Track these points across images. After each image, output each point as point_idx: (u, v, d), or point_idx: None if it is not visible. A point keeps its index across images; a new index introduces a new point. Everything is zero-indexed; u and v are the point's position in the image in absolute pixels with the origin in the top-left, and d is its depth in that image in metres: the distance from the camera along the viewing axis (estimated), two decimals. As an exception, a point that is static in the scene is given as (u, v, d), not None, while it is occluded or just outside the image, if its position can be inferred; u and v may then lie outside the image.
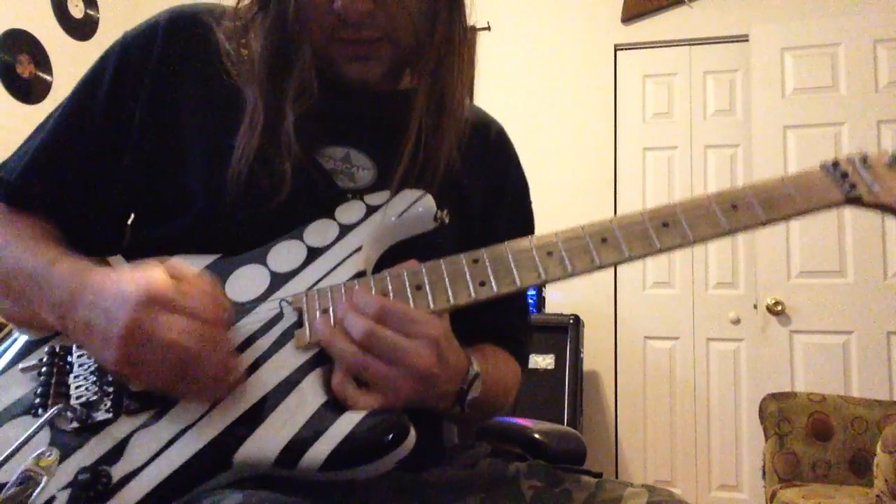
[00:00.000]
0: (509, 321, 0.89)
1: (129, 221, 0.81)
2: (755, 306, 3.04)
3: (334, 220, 0.73)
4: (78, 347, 0.67)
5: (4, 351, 0.71)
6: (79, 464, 0.60)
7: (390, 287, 0.67)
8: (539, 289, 3.08)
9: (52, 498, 0.58)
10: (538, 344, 2.83)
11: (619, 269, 3.29)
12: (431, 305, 0.66)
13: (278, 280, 0.69)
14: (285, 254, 0.71)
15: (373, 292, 0.66)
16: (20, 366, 0.68)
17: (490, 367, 0.75)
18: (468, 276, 0.67)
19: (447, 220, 0.75)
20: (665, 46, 3.41)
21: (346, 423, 0.61)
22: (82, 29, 3.33)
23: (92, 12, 3.39)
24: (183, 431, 0.61)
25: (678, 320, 3.25)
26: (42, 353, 0.68)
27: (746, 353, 3.16)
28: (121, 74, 0.77)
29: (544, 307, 3.14)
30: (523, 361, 0.92)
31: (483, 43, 3.46)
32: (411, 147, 0.74)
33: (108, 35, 3.33)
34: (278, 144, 0.71)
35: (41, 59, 3.12)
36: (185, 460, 0.60)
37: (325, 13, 0.69)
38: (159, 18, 0.79)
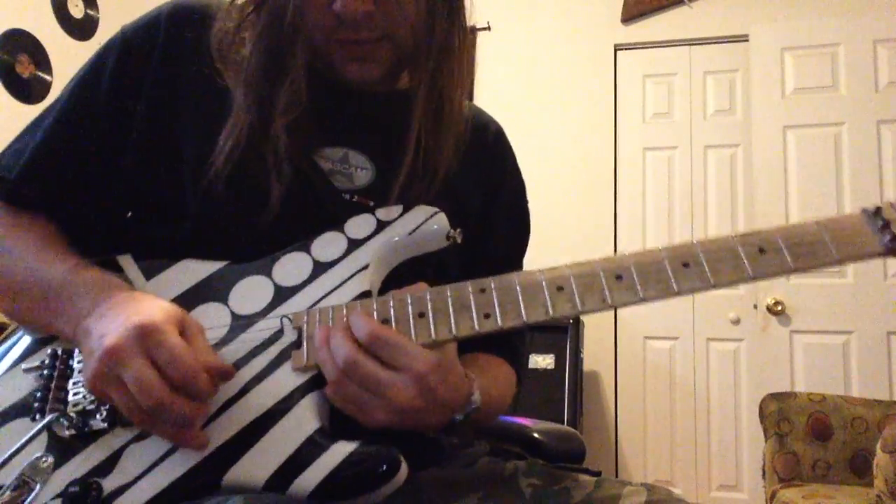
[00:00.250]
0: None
1: (131, 220, 0.79)
2: (755, 306, 3.04)
3: (343, 233, 0.71)
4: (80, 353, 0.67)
5: (9, 349, 0.70)
6: (72, 472, 0.60)
7: (392, 312, 0.64)
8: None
9: None
10: (538, 344, 2.83)
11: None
12: (433, 335, 0.63)
13: (282, 294, 0.68)
14: (291, 267, 0.69)
15: (374, 316, 0.64)
16: (23, 366, 0.67)
17: (487, 383, 0.73)
18: (473, 307, 0.64)
19: (459, 240, 0.73)
20: (665, 46, 3.41)
21: (337, 454, 0.59)
22: (82, 29, 3.33)
23: (92, 12, 3.39)
24: (174, 449, 0.61)
25: (678, 320, 3.25)
26: (45, 354, 0.68)
27: (746, 353, 3.16)
28: (122, 69, 0.75)
29: (544, 307, 3.13)
30: (520, 369, 0.90)
31: (483, 43, 3.46)
32: (411, 151, 0.73)
33: (107, 35, 3.34)
34: (265, 151, 0.69)
35: (41, 59, 3.12)
36: (174, 480, 0.59)
37: (323, 13, 0.68)
38: (161, 11, 0.78)
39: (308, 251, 0.70)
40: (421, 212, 0.72)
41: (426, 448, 0.78)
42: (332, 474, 0.58)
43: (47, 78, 3.13)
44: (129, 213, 0.79)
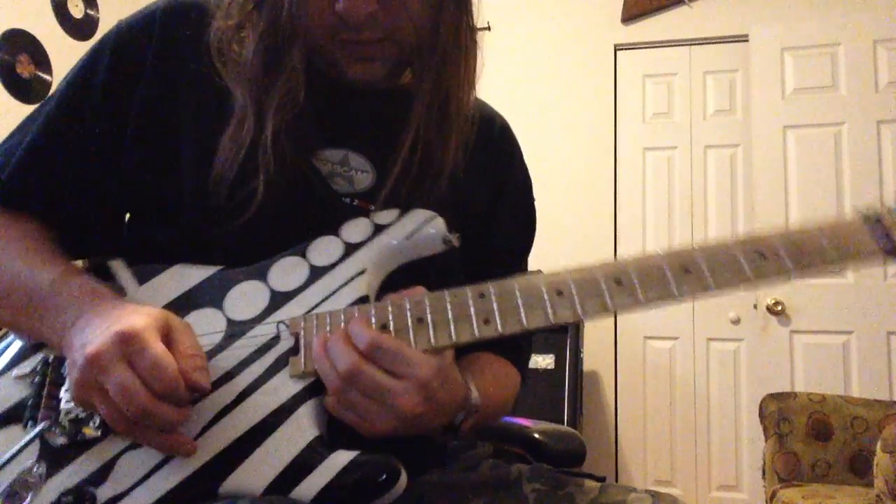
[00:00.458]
0: None
1: (126, 221, 0.78)
2: (755, 306, 3.04)
3: (339, 237, 0.70)
4: None
5: (0, 354, 0.69)
6: (65, 481, 0.59)
7: (391, 318, 0.63)
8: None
9: None
10: (538, 344, 2.83)
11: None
12: (433, 341, 0.63)
13: (278, 299, 0.67)
14: (287, 271, 0.68)
15: (372, 321, 0.63)
16: (14, 372, 0.66)
17: (487, 384, 0.73)
18: (472, 313, 0.63)
19: (457, 244, 0.72)
20: (665, 46, 3.40)
21: (336, 463, 0.59)
22: (82, 29, 3.33)
23: (92, 12, 3.39)
24: (169, 457, 0.60)
25: (678, 320, 3.25)
26: (36, 361, 0.66)
27: (746, 353, 3.16)
28: (117, 66, 0.74)
29: (544, 307, 3.13)
30: (523, 369, 0.89)
31: (483, 43, 3.45)
32: (407, 150, 0.72)
33: (108, 35, 3.30)
34: (262, 153, 0.68)
35: (41, 59, 3.12)
36: (169, 489, 0.59)
37: (326, 13, 0.67)
38: (157, 6, 0.76)
39: (304, 255, 0.69)
40: (418, 216, 0.71)
41: (427, 452, 0.78)
42: (332, 484, 0.58)
43: (47, 78, 3.13)
44: (127, 216, 0.77)
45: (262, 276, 0.68)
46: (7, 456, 0.59)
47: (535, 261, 0.93)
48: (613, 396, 3.28)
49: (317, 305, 0.66)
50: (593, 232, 3.33)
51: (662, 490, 0.74)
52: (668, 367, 3.26)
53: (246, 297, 0.67)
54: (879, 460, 1.88)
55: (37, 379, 0.65)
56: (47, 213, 0.73)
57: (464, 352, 0.69)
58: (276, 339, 0.65)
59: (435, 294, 0.64)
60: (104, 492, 0.59)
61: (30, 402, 0.63)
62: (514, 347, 0.87)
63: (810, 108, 3.03)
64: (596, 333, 3.22)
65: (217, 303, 0.67)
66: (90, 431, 0.61)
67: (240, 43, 0.71)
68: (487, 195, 0.85)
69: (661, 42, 3.40)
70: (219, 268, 0.69)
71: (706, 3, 3.32)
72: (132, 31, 0.75)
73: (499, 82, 3.43)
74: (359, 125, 0.77)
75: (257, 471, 0.59)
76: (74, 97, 0.74)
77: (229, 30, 0.71)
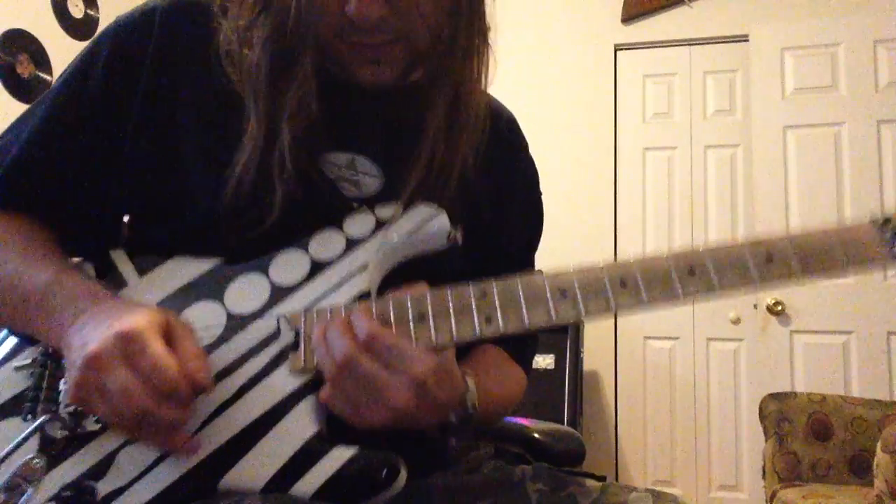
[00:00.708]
0: None
1: (126, 220, 0.76)
2: (755, 306, 3.04)
3: (342, 231, 0.69)
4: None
5: None
6: (66, 474, 0.59)
7: (392, 314, 0.63)
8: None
9: None
10: (538, 343, 2.82)
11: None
12: (434, 338, 0.62)
13: (279, 293, 0.66)
14: (288, 265, 0.67)
15: (374, 317, 0.62)
16: (13, 364, 0.66)
17: (490, 384, 0.72)
18: (474, 311, 0.62)
19: (460, 241, 0.71)
20: (665, 46, 3.40)
21: (336, 459, 0.59)
22: (82, 29, 3.33)
23: (92, 12, 3.39)
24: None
25: (678, 320, 3.25)
26: (35, 352, 0.66)
27: (746, 353, 3.16)
28: (114, 64, 0.72)
29: (544, 307, 3.13)
30: (527, 364, 0.88)
31: (483, 43, 3.45)
32: (426, 155, 0.70)
33: (108, 35, 3.30)
34: (272, 160, 0.67)
35: (41, 59, 3.12)
36: (170, 484, 0.58)
37: (335, 16, 0.65)
38: (156, 4, 0.74)
39: (306, 249, 0.68)
40: (422, 211, 0.71)
41: (429, 453, 0.77)
42: (332, 479, 0.58)
43: (47, 78, 3.13)
44: (126, 216, 0.76)
45: (263, 269, 0.68)
46: (8, 448, 0.59)
47: (535, 260, 0.93)
48: (613, 396, 3.28)
49: (317, 300, 0.66)
50: (593, 232, 3.33)
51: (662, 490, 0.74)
52: (668, 367, 3.26)
53: (246, 291, 0.67)
54: (879, 460, 1.88)
55: (37, 370, 0.64)
56: (43, 213, 0.72)
57: (467, 345, 0.68)
58: (276, 334, 0.64)
59: (436, 291, 0.64)
60: (104, 486, 0.59)
61: (30, 394, 0.63)
62: (520, 345, 0.86)
63: (810, 109, 3.03)
64: (596, 333, 3.22)
65: (217, 296, 0.67)
66: (91, 425, 0.61)
67: (249, 46, 0.70)
68: (495, 190, 0.84)
69: (661, 42, 3.40)
70: (220, 259, 0.69)
71: (706, 3, 3.32)
72: (131, 28, 0.74)
73: (499, 82, 3.43)
74: (366, 127, 0.76)
75: (257, 466, 0.59)
76: (71, 94, 0.73)
77: (239, 30, 0.70)
